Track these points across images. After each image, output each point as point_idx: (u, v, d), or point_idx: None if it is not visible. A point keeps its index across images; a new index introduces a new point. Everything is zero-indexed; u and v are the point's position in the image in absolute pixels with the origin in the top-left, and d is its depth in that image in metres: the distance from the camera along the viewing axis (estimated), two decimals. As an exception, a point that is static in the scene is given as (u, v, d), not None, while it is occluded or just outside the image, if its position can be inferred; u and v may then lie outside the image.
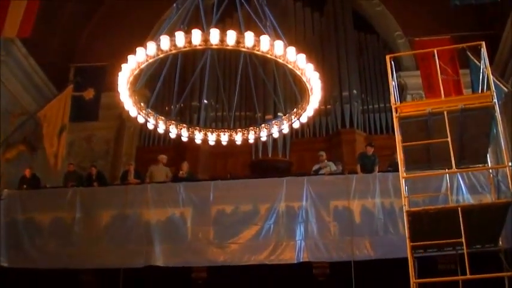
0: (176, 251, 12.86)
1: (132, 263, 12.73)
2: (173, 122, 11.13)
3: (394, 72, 10.89)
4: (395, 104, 10.28)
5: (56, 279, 13.27)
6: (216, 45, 8.67)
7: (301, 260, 12.36)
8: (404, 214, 9.32)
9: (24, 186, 14.48)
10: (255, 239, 12.69)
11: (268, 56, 8.82)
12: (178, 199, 13.24)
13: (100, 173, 15.22)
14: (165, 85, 16.27)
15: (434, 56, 10.84)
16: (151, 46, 8.90)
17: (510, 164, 9.57)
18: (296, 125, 10.95)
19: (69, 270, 12.95)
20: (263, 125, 11.38)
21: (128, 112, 10.57)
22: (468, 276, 8.62)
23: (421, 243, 9.45)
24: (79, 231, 13.36)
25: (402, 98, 15.35)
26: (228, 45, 8.66)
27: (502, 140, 9.74)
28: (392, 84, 10.52)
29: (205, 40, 8.66)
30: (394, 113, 10.23)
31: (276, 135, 11.62)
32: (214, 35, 8.58)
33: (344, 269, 11.84)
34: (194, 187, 13.57)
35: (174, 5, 11.16)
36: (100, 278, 13.20)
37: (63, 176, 15.26)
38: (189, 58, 15.00)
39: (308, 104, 10.14)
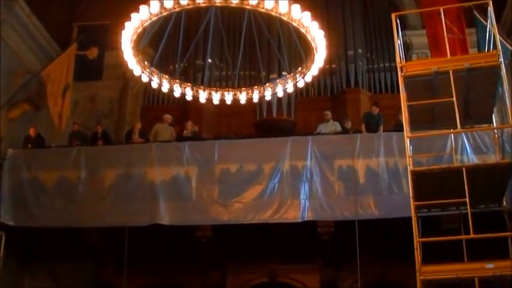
0: (181, 210, 12.92)
1: (136, 221, 12.80)
2: (177, 80, 11.07)
3: (400, 31, 10.79)
4: (401, 63, 10.20)
5: (61, 238, 13.38)
6: (219, 2, 8.57)
7: (305, 219, 12.42)
8: (409, 173, 9.31)
9: (29, 145, 14.50)
10: (259, 198, 12.73)
11: (273, 13, 8.71)
12: (183, 158, 13.26)
13: (105, 132, 15.22)
14: (168, 44, 16.05)
15: (440, 14, 10.71)
16: (154, 4, 8.81)
17: (515, 123, 9.52)
18: (301, 84, 10.88)
19: (74, 229, 13.06)
20: (267, 84, 11.31)
21: (131, 71, 10.52)
22: (472, 235, 8.64)
23: (425, 202, 9.45)
24: (84, 190, 13.41)
25: (408, 57, 15.19)
26: (231, 3, 8.56)
27: (507, 100, 9.69)
28: (398, 43, 10.43)
29: (209, -3, 8.56)
30: (399, 72, 10.16)
31: (280, 94, 11.54)
32: (218, -9, 8.49)
33: (348, 228, 11.90)
34: (199, 146, 13.58)
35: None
36: (105, 237, 13.32)
37: (67, 136, 15.26)
38: (192, 16, 14.82)
39: (313, 62, 10.05)
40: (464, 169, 9.05)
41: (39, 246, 14.46)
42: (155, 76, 10.59)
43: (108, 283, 13.77)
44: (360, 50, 17.63)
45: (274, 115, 16.04)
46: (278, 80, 11.23)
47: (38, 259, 14.87)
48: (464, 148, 12.14)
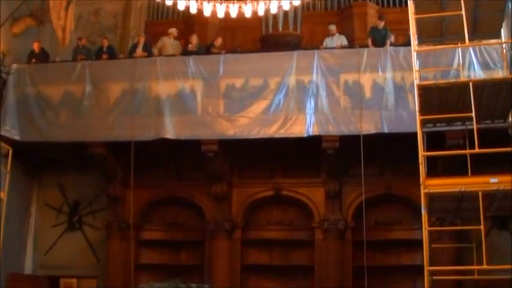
0: (186, 124, 12.97)
1: (142, 135, 12.88)
2: (181, -7, 10.88)
3: None
4: (408, -25, 9.97)
5: (68, 152, 13.49)
6: None
7: (310, 134, 12.46)
8: (415, 87, 9.23)
9: (33, 60, 14.40)
10: (265, 113, 12.74)
11: None
12: (188, 72, 13.19)
13: (111, 46, 15.07)
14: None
15: None
16: None
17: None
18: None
19: (81, 143, 13.16)
20: (273, -4, 11.11)
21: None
22: (476, 150, 8.65)
23: (431, 116, 9.42)
24: (89, 104, 13.44)
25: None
26: None
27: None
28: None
29: None
30: (407, -16, 9.95)
31: (286, 7, 11.37)
32: None
33: (353, 142, 11.93)
34: (203, 60, 13.47)
35: None
36: (111, 151, 13.43)
37: (72, 50, 15.14)
38: None
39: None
40: (471, 84, 8.96)
41: (47, 160, 14.65)
42: (159, -11, 10.40)
43: (114, 196, 13.98)
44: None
45: (280, 29, 15.81)
46: (284, -7, 11.02)
47: (45, 173, 15.09)
48: (471, 63, 12.02)
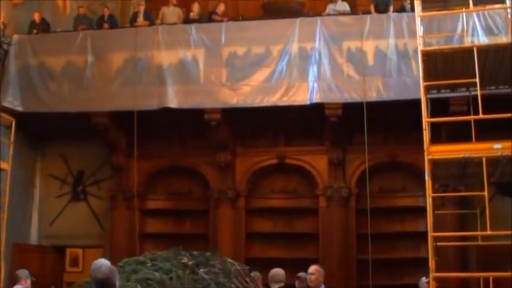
0: (189, 93, 12.93)
1: (145, 104, 12.84)
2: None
3: None
4: None
5: (72, 122, 13.48)
6: None
7: (313, 101, 12.41)
8: (419, 53, 9.18)
9: (34, 31, 14.33)
10: (268, 81, 12.69)
11: None
12: (190, 41, 13.11)
13: (112, 16, 14.96)
14: None
15: None
16: None
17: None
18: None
19: (83, 113, 13.13)
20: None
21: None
22: (480, 116, 8.62)
23: (435, 82, 9.38)
24: (91, 74, 13.39)
25: None
26: None
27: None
28: None
29: None
30: None
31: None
32: None
33: (356, 110, 11.90)
34: (205, 28, 13.38)
35: None
36: (114, 121, 13.40)
37: (73, 20, 15.05)
38: None
39: None
40: (475, 49, 8.90)
41: (50, 131, 14.64)
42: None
43: (118, 166, 14.00)
44: None
45: (283, -4, 15.67)
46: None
47: (49, 144, 15.09)
48: (475, 29, 11.91)
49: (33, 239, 14.75)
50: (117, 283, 4.79)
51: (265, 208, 13.92)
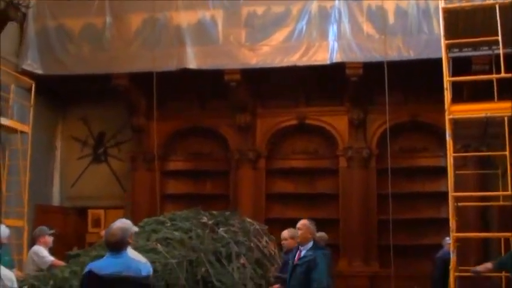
0: (208, 54, 12.87)
1: (164, 66, 12.80)
2: None
3: None
4: None
5: (92, 84, 13.49)
6: None
7: (334, 61, 12.29)
8: (440, 11, 9.00)
9: (52, -8, 14.27)
10: (287, 41, 12.58)
11: None
12: (208, 1, 12.99)
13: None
14: None
15: None
16: None
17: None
18: None
19: (103, 75, 13.12)
20: None
21: None
22: (502, 74, 8.48)
23: (456, 41, 9.23)
24: (110, 36, 13.35)
25: None
26: None
27: None
28: None
29: None
30: None
31: None
32: None
33: (377, 69, 11.75)
34: (224, -12, 13.26)
35: None
36: (134, 82, 13.39)
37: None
38: None
39: None
40: (497, 6, 8.71)
41: (70, 94, 14.70)
42: None
43: (138, 127, 14.04)
44: None
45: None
46: None
47: (69, 106, 15.19)
48: (497, -15, 11.68)
49: (55, 200, 14.93)
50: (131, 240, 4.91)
51: (285, 169, 13.92)
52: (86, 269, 4.72)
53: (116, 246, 4.72)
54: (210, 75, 12.96)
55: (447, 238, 10.74)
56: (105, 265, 4.66)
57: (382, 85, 11.64)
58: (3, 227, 7.43)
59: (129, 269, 4.63)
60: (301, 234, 7.02)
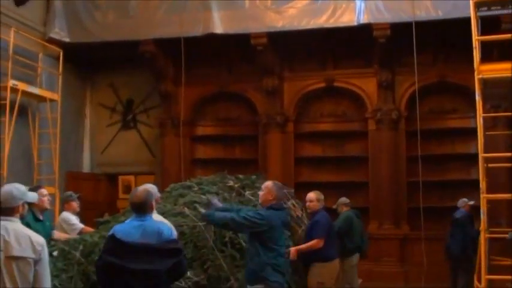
0: (234, 18, 12.79)
1: (191, 31, 12.78)
2: None
3: None
4: None
5: (119, 51, 13.51)
6: None
7: (361, 22, 12.13)
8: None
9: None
10: (314, 2, 12.46)
11: None
12: (233, -36, 12.91)
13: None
14: None
15: None
16: None
17: None
18: None
19: (130, 42, 13.13)
20: None
21: None
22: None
23: (485, -1, 9.06)
24: (136, 2, 13.36)
25: None
26: None
27: None
28: None
29: None
30: None
31: None
32: None
33: (405, 30, 11.59)
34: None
35: None
36: (161, 48, 13.41)
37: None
38: None
39: None
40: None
41: (98, 61, 14.75)
42: None
43: (166, 93, 14.07)
44: None
45: None
46: None
47: (97, 73, 15.27)
48: None
49: (86, 167, 15.12)
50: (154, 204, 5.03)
51: (314, 132, 13.88)
52: (110, 232, 4.79)
53: (140, 208, 4.79)
54: (237, 39, 12.90)
55: (464, 199, 10.75)
56: (127, 229, 4.73)
57: (410, 46, 11.53)
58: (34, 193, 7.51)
59: (152, 234, 4.68)
60: (261, 195, 6.44)
